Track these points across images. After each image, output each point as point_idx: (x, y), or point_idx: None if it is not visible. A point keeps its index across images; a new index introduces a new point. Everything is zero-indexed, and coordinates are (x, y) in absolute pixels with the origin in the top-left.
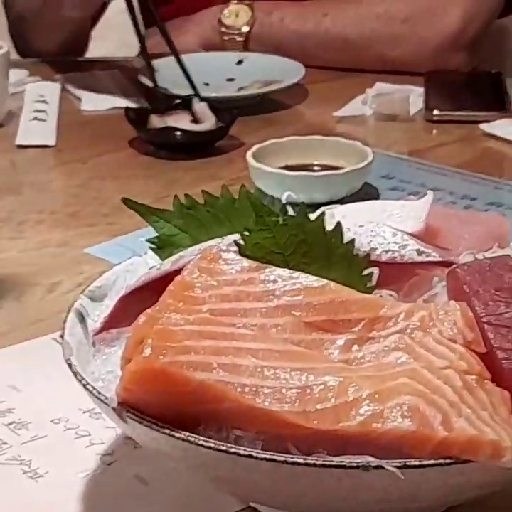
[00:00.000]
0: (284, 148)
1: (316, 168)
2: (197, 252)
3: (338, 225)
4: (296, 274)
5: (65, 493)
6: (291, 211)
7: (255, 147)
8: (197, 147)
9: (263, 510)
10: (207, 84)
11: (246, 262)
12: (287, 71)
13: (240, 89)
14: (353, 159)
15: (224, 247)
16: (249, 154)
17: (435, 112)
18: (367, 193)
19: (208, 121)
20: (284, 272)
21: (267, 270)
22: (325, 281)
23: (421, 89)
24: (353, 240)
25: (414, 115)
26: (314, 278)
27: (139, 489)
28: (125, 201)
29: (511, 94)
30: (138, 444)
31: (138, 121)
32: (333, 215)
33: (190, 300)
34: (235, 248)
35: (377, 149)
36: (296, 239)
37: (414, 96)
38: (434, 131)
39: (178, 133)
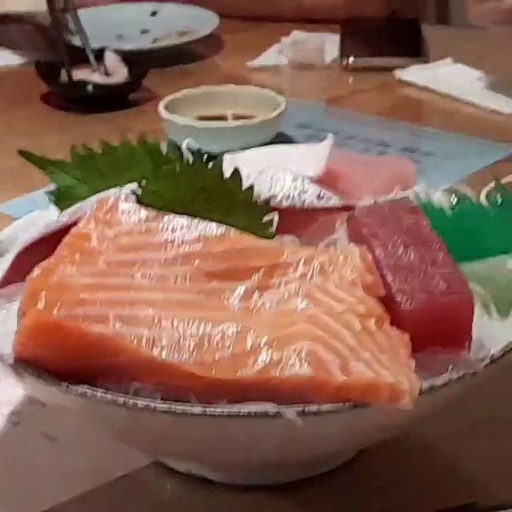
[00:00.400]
0: (198, 99)
1: (229, 118)
2: (95, 203)
3: (236, 171)
4: (196, 221)
5: None
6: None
7: (168, 98)
8: (110, 100)
9: (169, 464)
10: (121, 36)
11: (144, 212)
12: (202, 21)
13: (155, 40)
14: (267, 108)
15: (122, 197)
16: (161, 106)
17: (350, 59)
18: (282, 142)
19: (120, 74)
20: (184, 220)
21: (165, 219)
22: (225, 228)
23: (336, 37)
24: (252, 186)
25: (331, 63)
26: (214, 225)
27: (46, 446)
28: (21, 153)
29: (427, 40)
30: None
31: (49, 76)
32: (234, 162)
33: (86, 252)
34: (133, 197)
35: (293, 98)
36: (194, 186)
37: (329, 44)
38: (350, 79)
39: (90, 86)
